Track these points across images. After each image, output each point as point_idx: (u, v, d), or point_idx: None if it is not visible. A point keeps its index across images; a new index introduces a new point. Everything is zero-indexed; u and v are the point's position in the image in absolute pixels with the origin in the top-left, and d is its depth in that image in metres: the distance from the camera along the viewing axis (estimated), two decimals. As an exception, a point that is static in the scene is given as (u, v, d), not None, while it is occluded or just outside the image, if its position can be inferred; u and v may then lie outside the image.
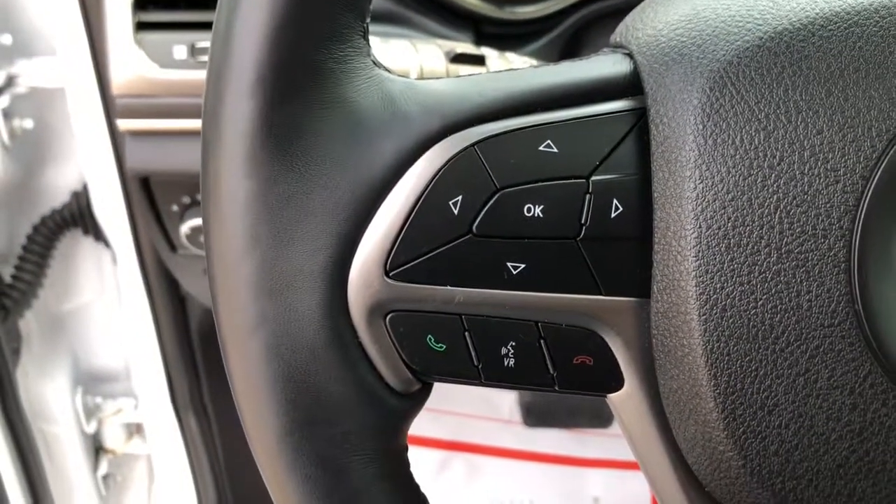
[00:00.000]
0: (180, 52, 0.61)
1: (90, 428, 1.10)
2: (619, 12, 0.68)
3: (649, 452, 0.31)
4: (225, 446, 1.09)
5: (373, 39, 0.45)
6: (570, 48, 0.70)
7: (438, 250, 0.29)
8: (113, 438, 1.14)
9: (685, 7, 0.30)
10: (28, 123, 0.94)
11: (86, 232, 0.99)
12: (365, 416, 0.29)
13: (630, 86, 0.30)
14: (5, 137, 0.92)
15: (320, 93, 0.28)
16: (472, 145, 0.29)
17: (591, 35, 0.69)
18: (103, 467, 1.14)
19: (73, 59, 0.79)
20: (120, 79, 0.62)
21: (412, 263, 0.29)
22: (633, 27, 0.31)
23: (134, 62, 0.61)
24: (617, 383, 0.30)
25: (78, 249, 1.05)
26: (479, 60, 0.51)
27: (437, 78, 0.37)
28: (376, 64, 0.30)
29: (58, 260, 1.01)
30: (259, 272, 0.28)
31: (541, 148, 0.29)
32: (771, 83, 0.27)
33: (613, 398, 0.30)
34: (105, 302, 1.08)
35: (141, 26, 0.61)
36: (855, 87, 0.27)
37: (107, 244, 0.97)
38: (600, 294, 0.29)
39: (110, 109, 0.75)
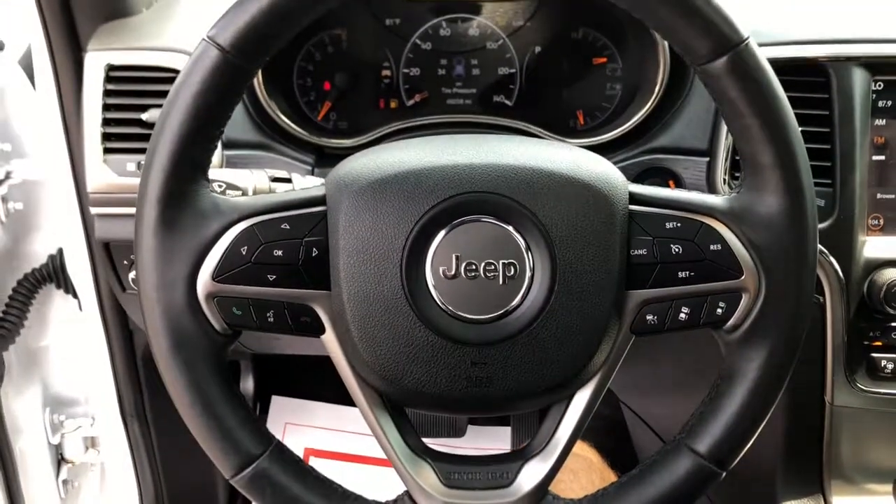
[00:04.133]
0: (131, 166, 0.86)
1: (55, 440, 1.23)
2: (408, 129, 0.91)
3: (342, 367, 0.61)
4: (162, 449, 1.21)
5: (226, 170, 0.75)
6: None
7: (237, 269, 0.59)
8: (73, 450, 1.26)
9: (349, 165, 0.61)
10: (19, 205, 1.10)
11: (58, 286, 1.13)
12: (205, 344, 0.59)
13: (322, 200, 0.60)
14: (2, 216, 1.08)
15: (185, 204, 0.58)
16: (252, 225, 0.59)
17: None
18: (63, 474, 1.25)
19: (55, 163, 0.95)
20: (93, 183, 0.86)
21: (226, 274, 0.58)
22: (333, 171, 0.63)
23: (102, 173, 0.86)
24: (322, 332, 0.60)
25: (52, 299, 1.19)
26: (287, 181, 0.74)
27: (262, 191, 0.70)
28: (213, 189, 0.60)
29: (36, 307, 1.14)
30: (157, 277, 0.58)
31: (282, 226, 0.59)
32: (374, 202, 0.58)
33: (322, 339, 0.61)
34: (70, 341, 1.21)
35: (107, 150, 0.87)
36: (396, 204, 0.57)
37: (75, 295, 1.09)
38: (312, 289, 0.59)
39: (82, 197, 0.95)
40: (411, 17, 0.97)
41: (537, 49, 0.98)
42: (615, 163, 0.88)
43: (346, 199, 0.58)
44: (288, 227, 0.57)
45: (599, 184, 0.58)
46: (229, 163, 0.89)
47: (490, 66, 0.98)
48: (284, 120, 0.91)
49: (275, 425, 1.55)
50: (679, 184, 0.90)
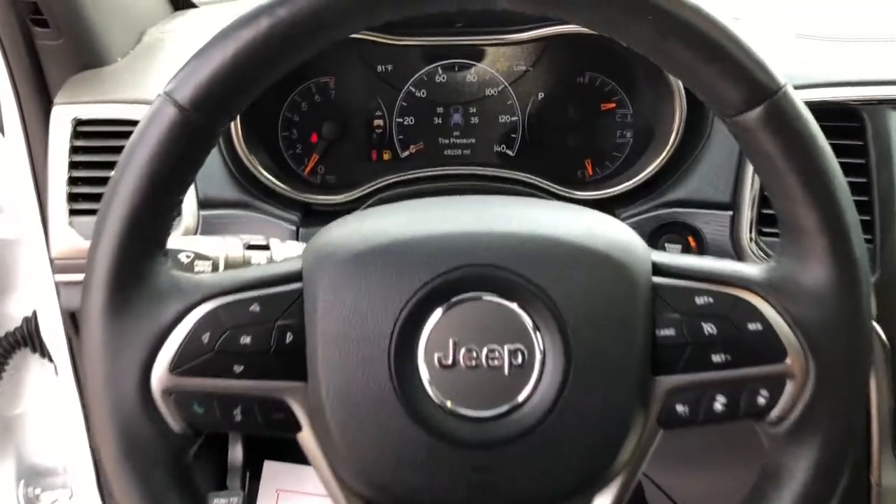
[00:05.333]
0: (98, 233, 0.81)
1: (29, 516, 1.17)
2: (403, 197, 0.88)
3: (321, 470, 0.54)
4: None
5: (194, 238, 0.69)
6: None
7: (198, 360, 0.51)
8: (49, 525, 1.16)
9: (328, 234, 0.55)
10: (-6, 269, 1.04)
11: (34, 350, 1.09)
12: (162, 448, 0.51)
13: (298, 276, 0.53)
14: (-23, 284, 1.02)
15: (138, 284, 0.52)
16: (216, 308, 0.52)
17: None
18: (38, 550, 1.15)
19: (26, 221, 0.92)
20: (57, 247, 0.82)
21: (185, 366, 0.51)
22: (311, 242, 0.56)
23: (67, 237, 0.82)
24: (298, 429, 0.53)
25: (27, 364, 1.14)
26: (265, 247, 0.68)
27: (235, 261, 0.63)
28: (179, 261, 0.55)
29: (10, 373, 1.11)
30: (105, 370, 0.51)
31: (250, 309, 0.52)
32: (357, 278, 0.51)
33: (299, 437, 0.53)
34: (46, 409, 1.16)
35: (73, 212, 0.82)
36: (384, 280, 0.51)
37: (50, 359, 1.06)
38: (286, 380, 0.52)
39: (52, 261, 0.88)
40: (404, 64, 0.94)
41: (540, 95, 0.95)
42: (628, 218, 0.86)
43: (324, 274, 0.52)
44: (258, 308, 0.51)
45: (618, 253, 0.52)
46: (206, 224, 0.85)
47: (490, 115, 0.96)
48: (267, 176, 0.87)
49: (266, 491, 1.48)
50: (699, 240, 0.85)
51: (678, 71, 0.52)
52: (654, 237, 0.86)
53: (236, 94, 0.51)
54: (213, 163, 0.85)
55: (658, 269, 0.54)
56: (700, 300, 0.53)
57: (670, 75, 0.86)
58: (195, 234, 0.85)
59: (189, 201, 0.85)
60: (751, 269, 0.55)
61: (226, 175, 0.87)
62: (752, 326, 0.52)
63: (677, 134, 0.86)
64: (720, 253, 0.84)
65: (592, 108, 0.95)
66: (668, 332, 0.53)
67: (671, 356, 0.53)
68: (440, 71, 0.95)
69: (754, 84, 0.50)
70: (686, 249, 0.86)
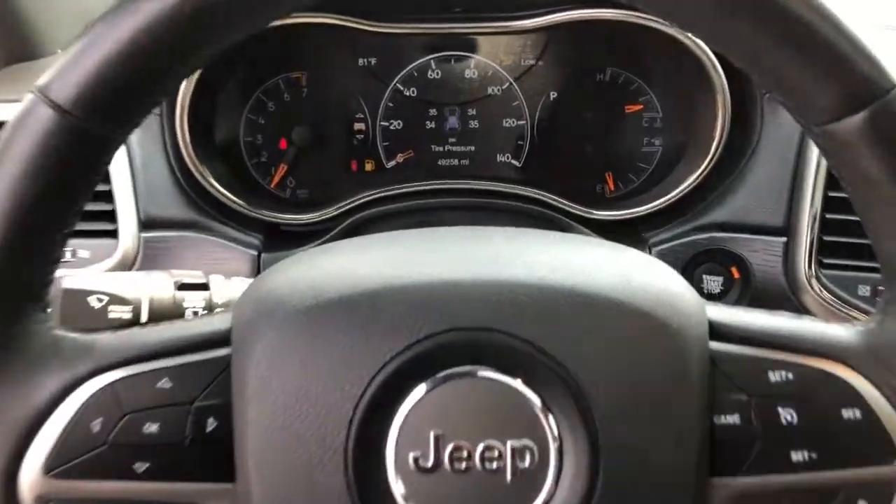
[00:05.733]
0: None
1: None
2: (389, 216, 0.83)
3: None
4: None
5: (109, 275, 0.58)
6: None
7: (84, 456, 0.41)
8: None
9: (269, 282, 0.44)
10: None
11: None
12: None
13: (225, 339, 0.43)
14: None
15: (6, 350, 0.41)
16: (111, 384, 0.42)
17: (360, 234, 0.80)
18: None
19: None
20: None
21: (67, 465, 0.41)
22: (245, 293, 0.45)
23: None
24: None
25: None
26: (203, 287, 0.61)
27: (162, 307, 0.51)
28: (56, 325, 0.43)
29: None
30: None
31: (158, 385, 0.42)
32: (305, 345, 0.41)
33: None
34: None
35: None
36: (343, 346, 0.41)
37: None
38: (206, 481, 0.42)
39: None
40: (391, 56, 0.89)
41: (552, 94, 0.90)
42: (658, 244, 0.80)
43: (261, 338, 0.43)
44: (169, 384, 0.43)
45: (663, 310, 0.44)
46: (148, 249, 0.78)
47: (493, 118, 0.91)
48: (221, 189, 0.81)
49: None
50: (745, 272, 0.78)
51: (748, 59, 0.44)
52: (690, 268, 0.80)
53: (136, 89, 0.42)
54: (158, 173, 0.79)
55: (717, 332, 0.46)
56: (775, 376, 0.45)
57: (712, 69, 0.79)
58: (134, 261, 0.78)
59: (128, 221, 0.78)
60: (844, 333, 0.47)
61: (173, 189, 0.80)
62: (846, 414, 0.45)
63: (720, 141, 0.80)
64: (770, 287, 0.77)
65: (614, 109, 0.90)
66: (732, 419, 0.46)
67: (736, 452, 0.46)
68: (433, 65, 0.90)
69: (858, 81, 0.42)
70: (728, 282, 0.79)
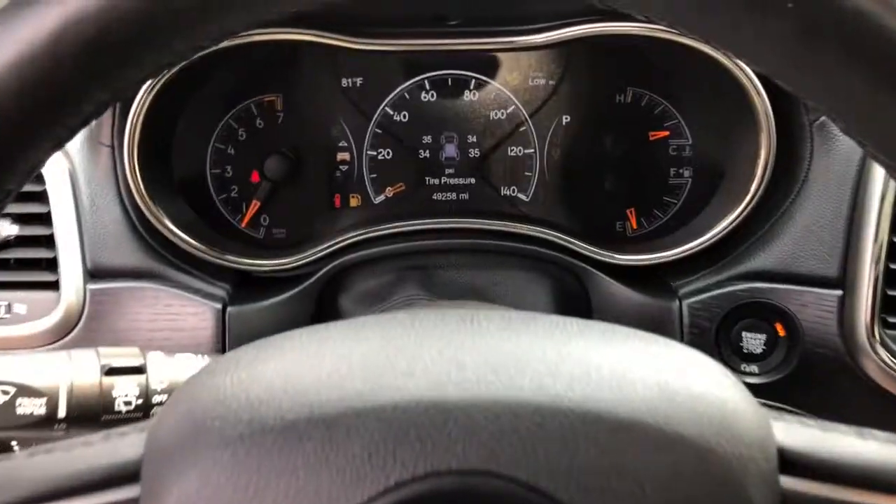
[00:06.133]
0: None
1: None
2: (377, 261, 0.76)
3: None
4: None
5: (27, 356, 0.50)
6: (328, 291, 0.75)
7: None
8: None
9: (193, 394, 0.34)
10: None
11: None
12: None
13: (134, 474, 0.34)
14: None
15: None
16: None
17: (344, 281, 0.76)
18: None
19: None
20: None
21: None
22: (162, 412, 0.35)
23: None
24: None
25: None
26: (137, 370, 0.53)
27: (83, 401, 0.42)
28: None
29: None
30: None
31: None
32: (238, 488, 0.31)
33: None
34: None
35: None
36: (288, 492, 0.32)
37: None
38: None
39: None
40: (379, 77, 0.83)
41: (565, 119, 0.85)
42: (689, 295, 0.73)
43: (178, 476, 0.34)
44: None
45: (716, 436, 0.36)
46: (95, 302, 0.71)
47: (496, 146, 0.86)
48: (176, 232, 0.72)
49: None
50: (792, 331, 0.71)
51: (824, 93, 0.36)
52: (727, 324, 0.72)
53: (27, 128, 0.31)
54: (108, 214, 0.73)
55: (788, 461, 0.37)
56: None
57: (752, 90, 0.71)
58: (80, 316, 0.69)
59: (72, 270, 0.71)
60: None
61: (126, 231, 0.73)
62: None
63: (763, 175, 0.73)
64: (821, 349, 0.70)
65: (636, 136, 0.85)
66: None
67: None
68: (427, 86, 0.85)
69: None
70: (772, 341, 0.71)
